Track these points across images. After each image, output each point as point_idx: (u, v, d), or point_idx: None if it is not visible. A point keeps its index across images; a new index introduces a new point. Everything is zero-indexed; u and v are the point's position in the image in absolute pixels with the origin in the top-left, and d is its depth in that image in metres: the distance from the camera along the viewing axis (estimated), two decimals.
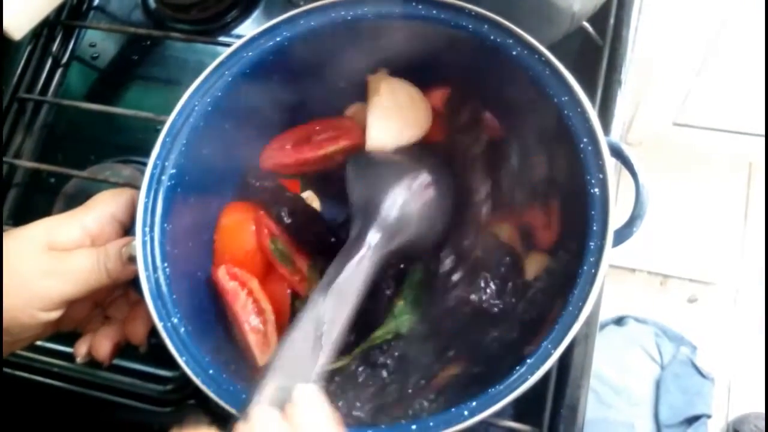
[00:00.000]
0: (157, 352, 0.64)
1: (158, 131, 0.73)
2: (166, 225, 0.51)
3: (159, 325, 0.47)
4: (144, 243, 0.49)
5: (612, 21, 0.68)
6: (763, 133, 1.44)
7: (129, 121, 0.73)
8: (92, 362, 0.57)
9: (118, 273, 0.49)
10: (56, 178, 0.73)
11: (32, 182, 0.75)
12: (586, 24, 0.66)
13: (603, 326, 1.43)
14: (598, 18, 0.67)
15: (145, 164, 0.71)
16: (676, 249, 1.56)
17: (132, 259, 0.49)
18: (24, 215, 0.72)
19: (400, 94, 0.58)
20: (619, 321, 1.45)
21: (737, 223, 1.58)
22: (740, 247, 1.56)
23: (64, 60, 0.78)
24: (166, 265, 0.49)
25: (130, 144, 0.74)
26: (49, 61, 0.77)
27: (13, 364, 0.66)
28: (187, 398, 0.64)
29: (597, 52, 0.67)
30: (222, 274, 0.55)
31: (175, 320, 0.48)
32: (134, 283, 0.49)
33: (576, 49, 0.70)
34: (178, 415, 0.63)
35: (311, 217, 0.59)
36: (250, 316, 0.55)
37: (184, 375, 0.62)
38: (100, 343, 0.53)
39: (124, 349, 0.63)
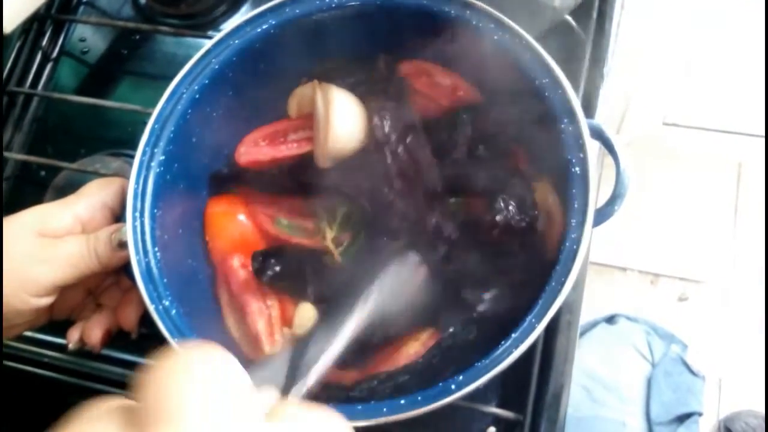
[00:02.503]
0: (149, 343, 0.64)
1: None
2: (156, 211, 0.51)
3: (150, 308, 0.47)
4: (134, 228, 0.50)
5: (595, 15, 0.69)
6: (752, 132, 1.45)
7: (118, 114, 0.74)
8: (84, 350, 0.58)
9: (109, 258, 0.50)
10: (46, 171, 0.74)
11: (22, 175, 0.75)
12: (568, 18, 0.67)
13: (594, 325, 1.43)
14: (581, 12, 0.68)
15: (134, 157, 0.72)
16: (666, 248, 1.57)
17: (122, 245, 0.49)
18: (14, 207, 0.72)
19: (347, 96, 0.57)
20: (611, 320, 1.45)
21: (727, 221, 1.59)
22: (730, 245, 1.57)
23: (54, 54, 0.78)
24: (156, 249, 0.50)
25: (119, 137, 0.74)
26: (39, 55, 0.77)
27: (4, 355, 0.66)
28: None
29: (580, 46, 0.68)
30: (236, 264, 0.56)
31: (167, 303, 0.48)
32: (126, 270, 0.50)
33: (559, 43, 0.71)
34: None
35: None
36: (260, 306, 0.55)
37: None
38: (91, 330, 0.53)
39: (115, 338, 0.63)
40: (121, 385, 0.64)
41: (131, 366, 0.65)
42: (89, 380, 0.65)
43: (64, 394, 0.66)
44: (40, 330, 0.66)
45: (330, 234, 0.57)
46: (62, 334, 0.64)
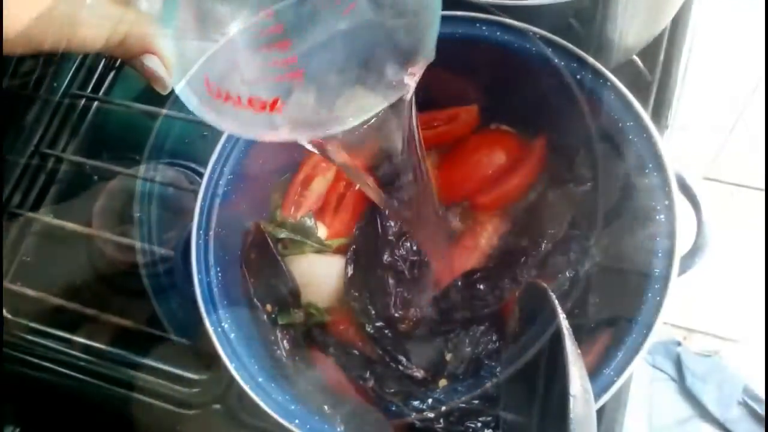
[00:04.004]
0: (187, 354, 0.64)
1: (205, 137, 0.74)
2: (219, 230, 0.51)
3: (210, 330, 0.47)
4: (198, 246, 0.50)
5: (662, 57, 0.68)
6: None
7: (176, 125, 0.74)
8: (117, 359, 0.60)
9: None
10: (100, 176, 0.74)
11: (76, 179, 0.75)
12: (635, 57, 0.67)
13: None
14: (649, 53, 0.68)
15: (188, 168, 0.72)
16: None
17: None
18: (67, 210, 0.73)
19: None
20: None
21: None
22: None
23: (118, 62, 0.79)
24: (218, 269, 0.50)
25: (174, 148, 0.74)
26: (103, 62, 0.78)
27: (40, 356, 0.66)
28: (212, 402, 0.63)
29: (645, 87, 0.68)
30: None
31: (226, 326, 0.48)
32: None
33: (625, 83, 0.70)
34: (203, 419, 0.62)
35: None
36: None
37: (211, 378, 0.62)
38: None
39: (152, 348, 0.64)
40: (156, 396, 0.64)
41: (168, 376, 0.65)
42: (124, 388, 0.65)
43: (97, 399, 0.66)
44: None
45: None
46: (97, 338, 0.66)
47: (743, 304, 1.42)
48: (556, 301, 0.40)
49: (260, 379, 0.46)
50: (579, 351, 0.38)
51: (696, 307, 1.43)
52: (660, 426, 1.29)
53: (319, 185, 0.61)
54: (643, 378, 1.32)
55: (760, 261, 1.42)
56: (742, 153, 1.38)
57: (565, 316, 0.39)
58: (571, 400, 0.36)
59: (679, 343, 1.37)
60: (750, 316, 1.40)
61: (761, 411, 1.31)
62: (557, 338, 0.39)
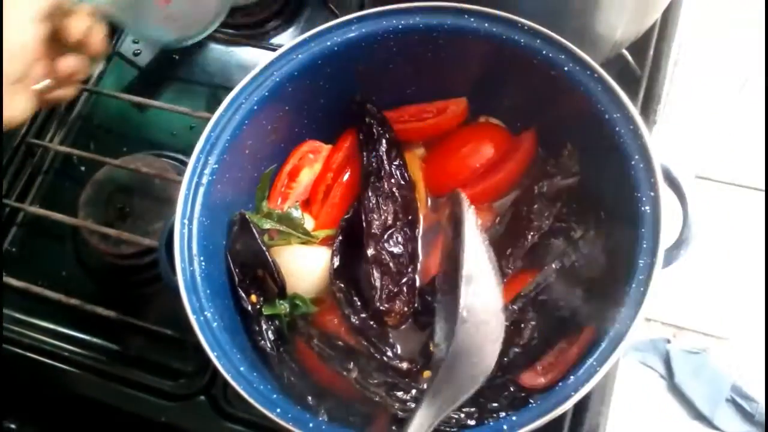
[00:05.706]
0: (172, 345, 0.64)
1: (193, 129, 0.74)
2: (204, 219, 0.51)
3: (192, 318, 0.47)
4: (182, 235, 0.50)
5: (651, 52, 0.69)
6: None
7: (162, 117, 0.74)
8: (105, 351, 0.60)
9: None
10: (86, 167, 0.74)
11: (62, 169, 0.75)
12: (625, 52, 0.67)
13: None
14: (638, 48, 0.68)
15: (176, 160, 0.72)
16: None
17: None
18: (53, 201, 0.73)
19: None
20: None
21: None
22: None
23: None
24: (202, 259, 0.50)
25: (161, 140, 0.75)
26: None
27: (27, 347, 0.67)
28: (196, 394, 0.63)
29: (635, 81, 0.68)
30: None
31: (208, 315, 0.48)
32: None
33: (614, 77, 0.71)
34: (187, 410, 0.63)
35: None
36: None
37: (195, 370, 0.62)
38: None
39: (137, 339, 0.65)
40: (141, 387, 0.64)
41: (153, 368, 0.65)
42: (109, 379, 0.65)
43: (82, 389, 0.66)
44: (65, 325, 0.67)
45: None
46: (86, 330, 0.67)
47: (732, 303, 1.42)
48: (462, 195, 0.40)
49: (242, 369, 0.46)
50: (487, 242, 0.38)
51: (685, 304, 1.42)
52: (648, 423, 1.29)
53: (306, 176, 0.61)
54: (631, 375, 1.33)
55: (749, 259, 1.43)
56: (734, 151, 1.38)
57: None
58: (462, 281, 0.34)
59: (668, 341, 1.38)
60: (738, 314, 1.40)
61: (749, 408, 1.31)
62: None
